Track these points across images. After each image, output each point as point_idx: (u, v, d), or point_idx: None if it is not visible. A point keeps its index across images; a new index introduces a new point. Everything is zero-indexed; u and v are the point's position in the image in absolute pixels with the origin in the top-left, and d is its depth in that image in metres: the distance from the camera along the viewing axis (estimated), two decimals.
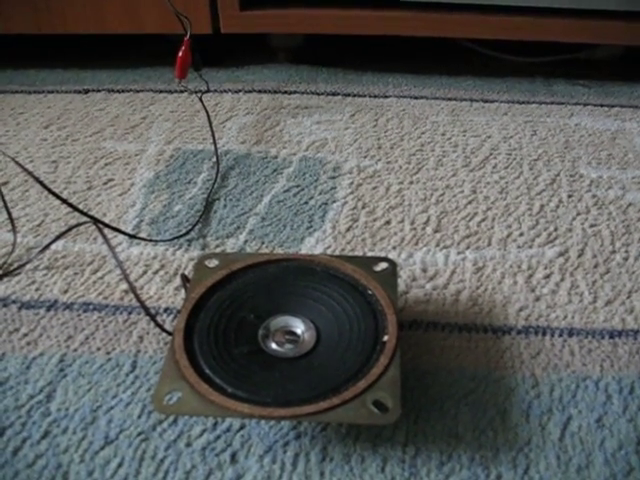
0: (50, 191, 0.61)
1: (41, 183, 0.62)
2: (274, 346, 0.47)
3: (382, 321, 0.47)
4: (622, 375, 0.50)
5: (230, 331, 0.47)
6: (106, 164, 0.74)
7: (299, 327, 0.48)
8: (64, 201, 0.61)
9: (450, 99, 0.87)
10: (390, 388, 0.43)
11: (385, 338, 0.46)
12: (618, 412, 0.48)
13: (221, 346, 0.46)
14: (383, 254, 0.61)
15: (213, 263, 0.52)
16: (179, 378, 0.43)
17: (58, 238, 0.62)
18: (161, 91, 0.89)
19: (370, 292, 0.49)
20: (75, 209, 0.62)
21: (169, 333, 0.52)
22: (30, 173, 0.63)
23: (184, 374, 0.43)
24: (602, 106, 0.85)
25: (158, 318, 0.55)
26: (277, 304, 0.49)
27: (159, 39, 0.90)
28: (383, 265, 0.51)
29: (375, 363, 0.44)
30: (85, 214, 0.62)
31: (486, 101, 0.86)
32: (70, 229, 0.63)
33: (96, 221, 0.62)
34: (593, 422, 0.47)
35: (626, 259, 0.61)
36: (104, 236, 0.60)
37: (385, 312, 0.48)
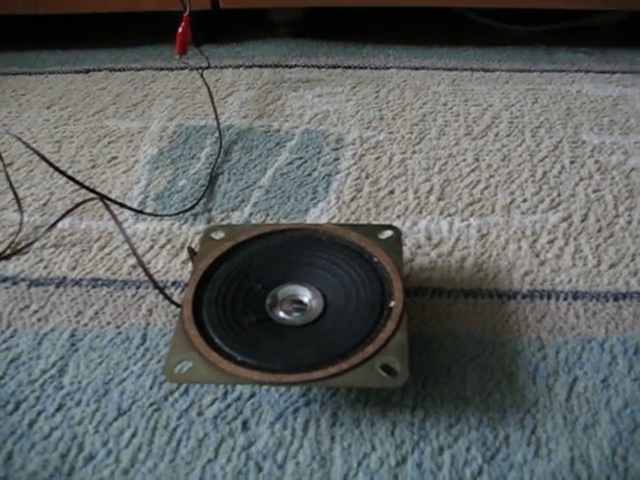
0: (56, 169, 0.61)
1: (47, 161, 0.62)
2: (282, 314, 0.47)
3: (388, 287, 0.48)
4: (627, 336, 0.51)
5: (238, 301, 0.48)
6: (109, 142, 0.74)
7: (306, 295, 0.48)
8: (70, 178, 0.61)
9: (451, 69, 0.87)
10: (398, 352, 0.43)
11: (392, 304, 0.46)
12: (623, 372, 0.48)
13: (229, 316, 0.46)
14: (388, 223, 0.61)
15: (219, 235, 0.52)
16: (189, 348, 0.44)
17: (64, 216, 0.63)
18: (162, 69, 0.89)
19: (376, 259, 0.49)
20: (81, 185, 0.62)
21: (178, 305, 0.53)
22: (36, 152, 0.63)
23: (194, 344, 0.44)
24: (603, 73, 0.85)
25: (166, 291, 0.55)
26: (284, 274, 0.50)
27: (158, 16, 0.90)
28: (388, 233, 0.51)
29: (382, 328, 0.45)
30: (92, 190, 0.62)
31: (487, 70, 0.86)
32: (77, 206, 0.63)
33: (102, 197, 0.62)
34: (599, 382, 0.48)
35: (629, 222, 0.61)
36: (111, 212, 0.60)
37: (391, 278, 0.48)
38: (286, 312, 0.48)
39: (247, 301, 0.48)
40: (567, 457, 0.43)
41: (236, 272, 0.49)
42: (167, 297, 0.53)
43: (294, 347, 0.45)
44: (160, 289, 0.54)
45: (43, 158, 0.62)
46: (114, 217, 0.60)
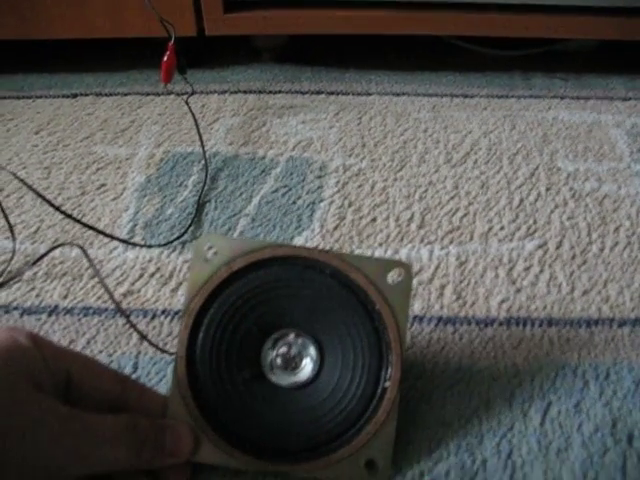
0: (47, 200, 0.63)
1: (36, 192, 0.63)
2: (276, 371, 0.47)
3: (387, 356, 0.46)
4: (598, 362, 0.53)
5: (233, 350, 0.46)
6: (98, 169, 0.76)
7: (303, 348, 0.47)
8: (58, 209, 0.63)
9: (431, 95, 0.89)
10: (383, 448, 0.44)
11: (387, 384, 0.45)
12: (594, 397, 0.51)
13: (225, 374, 0.46)
14: (370, 252, 0.63)
15: (212, 252, 0.47)
16: (185, 414, 0.45)
17: (52, 250, 0.64)
18: (148, 94, 0.91)
19: (378, 318, 0.46)
20: (71, 218, 0.64)
21: (163, 351, 0.54)
22: (25, 182, 0.65)
23: (189, 411, 0.45)
24: (578, 99, 0.88)
25: (156, 320, 0.57)
26: (281, 316, 0.47)
27: (144, 41, 0.91)
28: (398, 274, 0.47)
29: (373, 416, 0.45)
30: (80, 222, 0.64)
31: (466, 96, 0.89)
32: (54, 248, 0.64)
33: (89, 228, 0.64)
34: (571, 407, 0.50)
35: (602, 250, 0.64)
36: (88, 258, 0.61)
37: (391, 347, 0.46)
38: (280, 368, 0.47)
39: (243, 349, 0.46)
40: None
41: (232, 312, 0.46)
42: (152, 344, 0.54)
43: (283, 421, 0.45)
44: (145, 337, 0.54)
45: (32, 189, 0.64)
46: (91, 262, 0.61)
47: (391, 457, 0.45)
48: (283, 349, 0.47)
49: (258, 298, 0.47)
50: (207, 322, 0.46)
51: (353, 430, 0.45)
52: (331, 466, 0.44)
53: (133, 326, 0.54)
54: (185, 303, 0.47)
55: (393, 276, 0.47)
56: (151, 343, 0.54)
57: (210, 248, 0.47)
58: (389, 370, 0.45)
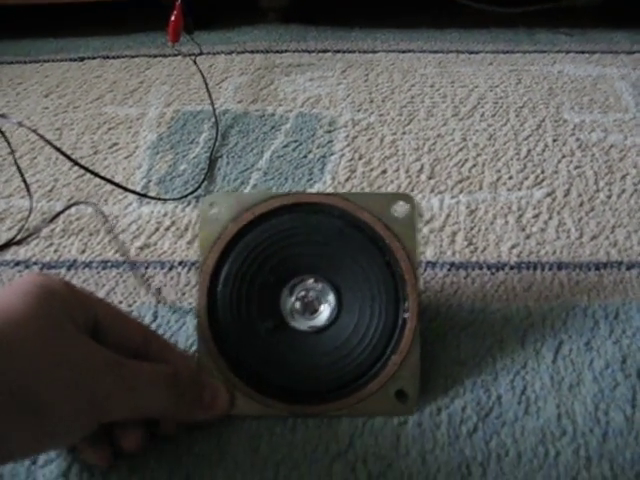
0: (66, 155, 0.64)
1: (54, 147, 0.64)
2: (296, 317, 0.48)
3: (402, 289, 0.46)
4: (607, 302, 0.55)
5: (252, 302, 0.47)
6: (109, 129, 0.77)
7: (320, 294, 0.48)
8: (76, 163, 0.64)
9: (437, 52, 0.89)
10: (410, 378, 0.46)
11: (406, 315, 0.46)
12: (605, 335, 0.52)
13: (246, 323, 0.46)
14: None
15: (215, 210, 0.47)
16: (214, 369, 0.46)
17: (69, 207, 0.65)
18: (155, 55, 0.91)
19: (389, 249, 0.47)
20: (89, 171, 0.64)
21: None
22: (43, 137, 0.66)
23: (217, 365, 0.46)
24: (583, 53, 0.89)
25: (173, 271, 0.58)
26: (295, 263, 0.47)
27: (147, 4, 0.92)
28: (402, 207, 0.47)
29: (397, 346, 0.46)
30: (98, 175, 0.65)
31: (472, 52, 0.89)
32: (70, 206, 0.65)
33: (107, 181, 0.65)
34: (582, 345, 0.51)
35: (609, 197, 0.65)
36: (102, 214, 0.62)
37: (405, 280, 0.46)
38: (300, 314, 0.48)
39: (262, 301, 0.47)
40: (554, 413, 0.46)
41: (247, 265, 0.47)
42: (165, 302, 0.55)
43: (310, 364, 0.46)
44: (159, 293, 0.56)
45: (50, 143, 0.65)
46: (105, 217, 0.62)
47: (419, 385, 0.46)
48: (301, 293, 0.48)
49: (270, 249, 0.47)
50: (223, 279, 0.47)
51: (379, 364, 0.46)
52: (362, 401, 0.45)
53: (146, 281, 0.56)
54: (199, 264, 0.47)
55: (397, 209, 0.47)
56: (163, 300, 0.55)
57: (215, 207, 0.47)
58: (406, 301, 0.46)
